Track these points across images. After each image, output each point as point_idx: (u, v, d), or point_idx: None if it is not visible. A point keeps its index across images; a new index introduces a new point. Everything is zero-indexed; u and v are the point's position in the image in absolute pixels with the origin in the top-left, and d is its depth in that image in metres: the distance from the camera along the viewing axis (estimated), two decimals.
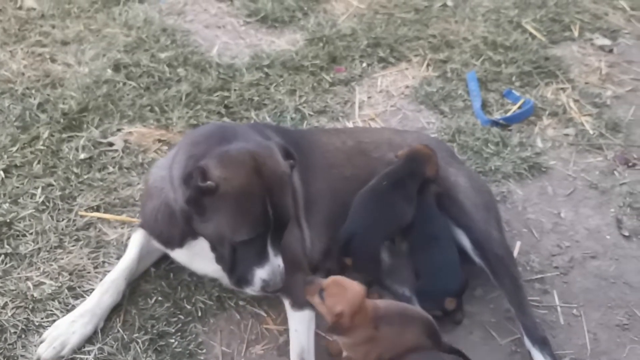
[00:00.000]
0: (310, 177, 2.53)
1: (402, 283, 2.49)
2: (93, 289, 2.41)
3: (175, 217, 2.23)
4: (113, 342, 2.31)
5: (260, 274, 2.11)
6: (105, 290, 2.37)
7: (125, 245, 2.56)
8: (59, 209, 2.76)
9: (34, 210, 2.73)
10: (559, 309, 2.52)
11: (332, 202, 2.53)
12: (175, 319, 2.40)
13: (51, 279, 2.49)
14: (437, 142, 2.97)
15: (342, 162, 2.62)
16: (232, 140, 2.14)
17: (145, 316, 2.40)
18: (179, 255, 2.41)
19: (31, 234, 2.64)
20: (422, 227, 2.49)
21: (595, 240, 2.80)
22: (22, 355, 2.25)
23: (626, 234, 2.82)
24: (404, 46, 3.92)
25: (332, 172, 2.58)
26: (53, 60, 3.61)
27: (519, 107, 3.47)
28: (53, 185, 2.85)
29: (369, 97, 3.57)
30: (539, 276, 2.63)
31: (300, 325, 2.28)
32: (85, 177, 2.91)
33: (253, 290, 2.16)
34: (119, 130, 3.17)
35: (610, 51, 3.99)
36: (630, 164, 3.18)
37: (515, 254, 2.67)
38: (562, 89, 3.66)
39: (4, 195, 2.79)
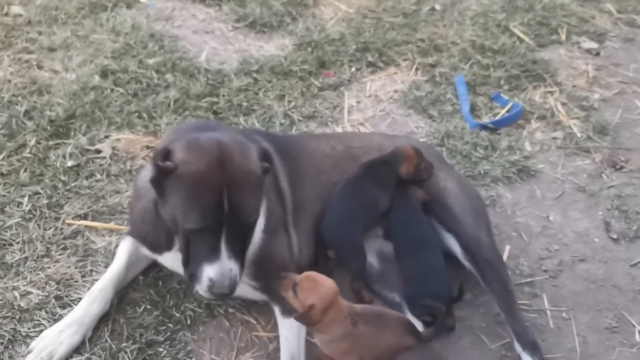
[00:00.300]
0: (298, 183, 2.52)
1: (391, 289, 2.49)
2: (81, 298, 2.38)
3: (161, 216, 2.19)
4: (101, 352, 2.28)
5: (208, 271, 2.01)
6: (92, 299, 2.34)
7: (113, 254, 2.54)
8: (46, 218, 2.73)
9: (20, 219, 2.71)
10: (548, 312, 2.53)
11: (320, 207, 2.52)
12: (164, 328, 2.39)
13: (38, 288, 2.47)
14: (426, 147, 2.98)
15: (331, 167, 2.62)
16: (209, 132, 2.13)
17: (133, 325, 2.38)
18: (166, 259, 2.39)
19: (18, 243, 2.62)
20: (407, 232, 2.49)
21: (583, 243, 2.81)
22: None
23: (614, 236, 2.84)
24: (393, 50, 3.93)
25: (320, 178, 2.58)
26: (40, 67, 3.59)
27: (508, 111, 3.48)
28: (40, 194, 2.82)
29: (358, 102, 3.57)
30: (529, 280, 2.64)
31: (290, 332, 2.27)
32: (73, 184, 2.88)
33: (201, 289, 2.06)
34: (106, 137, 3.15)
35: (597, 54, 4.02)
36: (617, 167, 3.19)
37: (504, 257, 2.67)
38: (550, 92, 3.68)
39: None
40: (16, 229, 2.67)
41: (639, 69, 3.92)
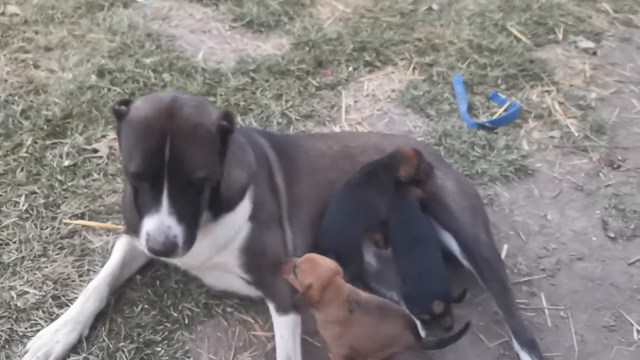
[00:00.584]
0: (294, 179, 2.52)
1: (389, 287, 2.48)
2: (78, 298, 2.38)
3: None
4: (98, 352, 2.28)
5: (147, 224, 1.97)
6: (87, 297, 2.34)
7: (110, 253, 2.52)
8: (43, 217, 2.72)
9: (17, 219, 2.70)
10: (546, 311, 2.53)
11: (317, 206, 2.52)
12: (161, 327, 2.38)
13: (35, 288, 2.46)
14: (424, 146, 2.98)
15: (328, 166, 2.61)
16: None
17: (131, 324, 2.37)
18: None
19: (14, 242, 2.61)
20: (405, 231, 2.48)
21: (581, 242, 2.81)
22: None
23: (612, 235, 2.84)
24: (390, 50, 3.93)
25: (317, 176, 2.57)
26: (36, 67, 3.58)
27: (505, 110, 3.48)
28: (37, 193, 2.81)
29: (356, 101, 3.57)
30: (527, 279, 2.64)
31: (285, 331, 2.27)
32: (70, 184, 2.87)
33: (141, 244, 2.02)
34: (103, 136, 3.14)
35: (594, 53, 4.02)
36: (615, 166, 3.20)
37: (502, 256, 2.67)
38: (547, 91, 3.68)
39: None
40: (13, 229, 2.66)
41: (636, 68, 3.93)
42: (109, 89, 3.41)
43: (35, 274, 2.51)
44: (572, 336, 2.45)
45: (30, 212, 2.74)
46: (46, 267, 2.54)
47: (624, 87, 3.76)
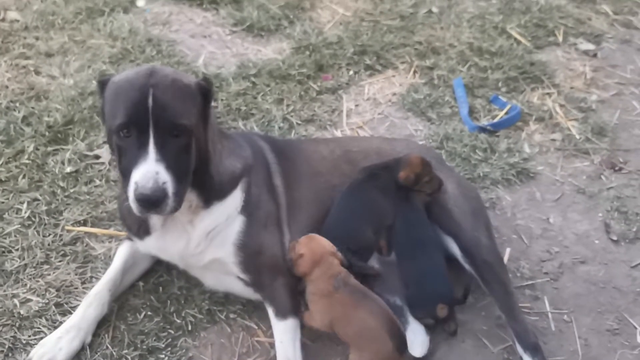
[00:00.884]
0: (294, 182, 2.52)
1: (393, 292, 2.48)
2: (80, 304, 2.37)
3: (124, 194, 2.19)
4: (102, 359, 2.28)
5: (134, 175, 1.98)
6: (89, 303, 2.34)
7: (113, 260, 2.52)
8: (45, 224, 2.72)
9: (19, 226, 2.70)
10: (549, 315, 2.53)
11: (318, 209, 2.52)
12: (165, 334, 2.38)
13: (38, 295, 2.46)
14: (426, 149, 2.98)
15: (329, 170, 2.61)
16: None
17: (134, 331, 2.37)
18: (149, 244, 2.38)
19: (17, 250, 2.61)
20: (408, 234, 2.48)
21: (584, 245, 2.81)
22: None
23: (614, 238, 2.84)
24: (391, 53, 3.93)
25: (318, 180, 2.57)
26: (37, 73, 3.58)
27: (506, 113, 3.48)
28: (39, 200, 2.81)
29: (357, 105, 3.57)
30: (530, 282, 2.64)
31: (285, 336, 2.28)
32: (72, 190, 2.87)
33: (131, 202, 2.00)
34: (105, 142, 3.14)
35: (595, 55, 4.02)
36: (616, 168, 3.20)
37: (505, 260, 2.67)
38: (547, 94, 3.68)
39: None
40: (15, 236, 2.66)
41: (636, 70, 3.93)
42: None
43: (38, 281, 2.51)
44: (575, 340, 2.45)
45: (33, 219, 2.74)
46: (49, 275, 2.54)
47: (624, 89, 3.77)
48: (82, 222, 2.75)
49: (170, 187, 1.99)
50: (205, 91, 2.14)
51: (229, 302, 2.50)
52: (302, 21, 4.18)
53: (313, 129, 3.37)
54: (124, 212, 2.40)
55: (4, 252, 2.61)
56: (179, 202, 2.06)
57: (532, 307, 2.54)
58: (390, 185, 2.53)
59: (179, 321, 2.42)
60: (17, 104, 3.32)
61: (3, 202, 2.80)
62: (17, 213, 2.76)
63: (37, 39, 3.83)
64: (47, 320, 2.38)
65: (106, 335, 2.35)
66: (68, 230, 2.70)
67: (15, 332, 2.34)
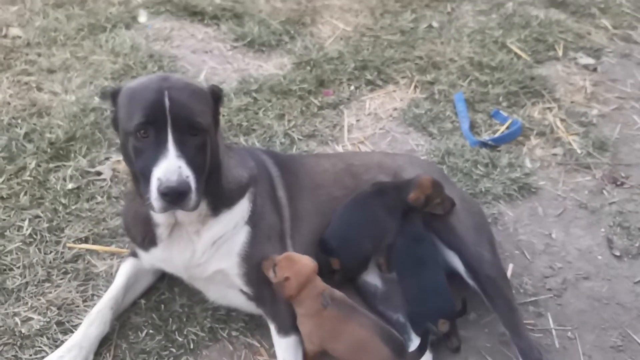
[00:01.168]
0: (297, 195, 2.53)
1: (395, 309, 2.47)
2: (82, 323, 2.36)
3: (138, 200, 2.22)
4: None
5: (156, 172, 1.98)
6: (91, 322, 2.33)
7: (115, 277, 2.52)
8: (47, 241, 2.72)
9: (21, 243, 2.69)
10: (553, 332, 2.51)
11: (320, 222, 2.52)
12: (166, 352, 2.36)
13: (39, 314, 2.45)
14: (428, 164, 2.99)
15: (331, 182, 2.62)
16: None
17: (136, 350, 2.36)
18: (154, 256, 2.37)
19: (18, 267, 2.60)
20: (408, 251, 2.48)
21: (587, 260, 2.80)
22: None
23: (617, 253, 2.83)
24: (391, 68, 3.94)
25: (320, 192, 2.58)
26: (39, 89, 3.59)
27: (507, 128, 3.49)
28: (40, 217, 2.81)
29: (358, 120, 3.58)
30: (533, 299, 2.63)
31: (287, 353, 2.27)
32: (73, 207, 2.87)
33: (152, 198, 1.99)
34: (106, 159, 3.14)
35: (595, 70, 4.04)
36: (618, 183, 3.20)
37: (508, 276, 2.65)
38: (548, 108, 3.69)
39: None
40: (17, 254, 2.65)
41: (636, 84, 3.94)
42: (110, 111, 3.41)
43: (39, 299, 2.50)
44: (580, 357, 2.43)
45: (34, 236, 2.73)
46: (50, 293, 2.52)
47: (625, 104, 3.78)
48: (83, 239, 2.74)
49: (192, 182, 2.01)
50: (216, 96, 2.20)
51: (231, 320, 2.49)
52: (303, 36, 4.19)
53: (314, 144, 3.38)
54: (129, 224, 2.40)
55: (5, 270, 2.60)
56: (198, 201, 2.07)
57: (535, 324, 2.53)
58: (397, 205, 2.52)
59: (180, 339, 2.41)
60: (19, 121, 3.32)
61: (4, 220, 2.79)
62: (18, 230, 2.76)
63: (39, 55, 3.85)
64: (48, 339, 2.37)
65: (108, 354, 2.33)
66: (69, 248, 2.70)
67: (17, 352, 2.32)
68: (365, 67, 3.92)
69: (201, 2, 4.43)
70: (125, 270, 2.50)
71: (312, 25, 4.33)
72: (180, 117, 2.02)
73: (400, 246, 2.50)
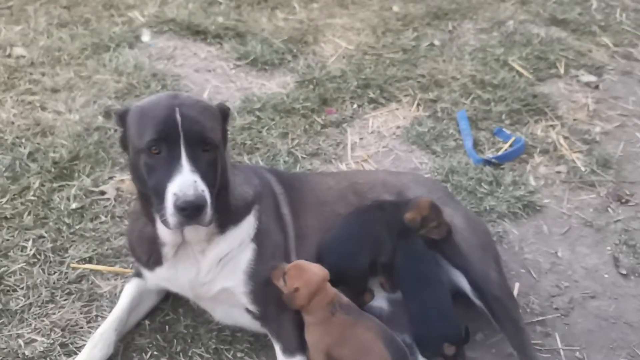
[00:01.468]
0: (301, 212, 2.52)
1: (402, 330, 2.45)
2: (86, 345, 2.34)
3: (143, 218, 2.25)
4: None
5: (171, 187, 1.98)
6: (95, 344, 2.31)
7: (119, 298, 2.50)
8: (51, 262, 2.70)
9: (24, 264, 2.68)
10: (561, 352, 2.49)
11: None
12: None
13: (43, 335, 2.43)
14: (433, 183, 2.98)
15: (335, 199, 2.62)
16: None
17: None
18: (160, 275, 2.36)
19: (22, 288, 2.59)
20: (412, 272, 2.45)
21: (593, 279, 2.79)
22: None
23: (624, 272, 2.82)
24: (394, 86, 3.96)
25: (324, 210, 2.57)
26: (43, 108, 3.59)
27: (510, 146, 3.49)
28: (44, 237, 2.80)
29: (361, 138, 3.58)
30: (540, 318, 2.61)
31: None
32: (77, 227, 2.86)
33: (168, 214, 1.99)
34: (110, 178, 3.14)
35: (596, 87, 4.06)
36: (623, 201, 3.19)
37: (514, 295, 2.64)
38: (551, 126, 3.70)
39: None
40: (20, 274, 2.64)
41: (638, 101, 3.96)
42: (115, 130, 3.42)
43: (42, 320, 2.48)
44: None
45: (38, 256, 2.72)
46: (54, 314, 2.51)
47: (627, 121, 3.79)
48: (87, 259, 2.73)
49: (207, 196, 2.01)
50: (225, 113, 2.22)
51: (236, 341, 2.47)
52: (306, 55, 4.22)
53: (318, 162, 3.38)
54: (134, 243, 2.40)
55: (8, 290, 2.58)
56: (213, 216, 2.07)
57: (543, 344, 2.51)
58: (394, 223, 2.51)
59: None
60: (23, 140, 3.33)
61: (8, 240, 2.78)
62: (22, 251, 2.74)
63: (43, 74, 3.86)
64: None
65: None
66: (73, 268, 2.68)
67: None
68: (368, 86, 3.93)
69: (204, 21, 4.46)
70: (129, 291, 2.49)
71: (315, 44, 4.35)
72: (192, 133, 2.03)
73: (404, 267, 2.49)
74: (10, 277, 2.62)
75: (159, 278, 2.39)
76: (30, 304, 2.53)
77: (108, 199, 3.02)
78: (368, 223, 2.50)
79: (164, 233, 2.21)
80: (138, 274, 2.51)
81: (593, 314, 2.64)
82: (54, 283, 2.62)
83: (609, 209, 3.15)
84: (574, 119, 3.76)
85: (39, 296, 2.56)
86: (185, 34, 4.38)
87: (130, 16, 4.54)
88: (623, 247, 2.93)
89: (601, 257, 2.89)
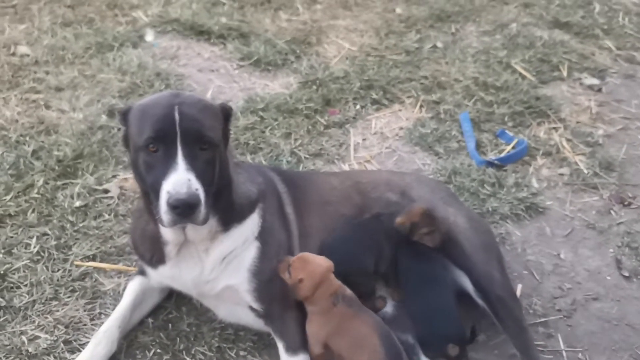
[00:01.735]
0: (305, 211, 2.53)
1: (404, 330, 2.45)
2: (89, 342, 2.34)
3: (146, 216, 2.26)
4: None
5: (165, 185, 1.99)
6: (98, 341, 2.32)
7: (122, 295, 2.50)
8: (54, 259, 2.71)
9: (28, 261, 2.68)
10: (564, 353, 2.49)
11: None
12: None
13: (46, 332, 2.43)
14: (436, 182, 2.99)
15: (339, 199, 2.62)
16: None
17: None
18: (163, 274, 2.36)
19: (26, 285, 2.59)
20: (414, 273, 2.46)
21: (596, 281, 2.79)
22: None
23: (626, 274, 2.82)
24: (397, 88, 3.96)
25: (327, 209, 2.58)
26: (47, 107, 3.60)
27: (513, 147, 3.50)
28: (48, 235, 2.80)
29: (364, 139, 3.59)
30: (543, 319, 2.61)
31: None
32: (81, 225, 2.87)
33: (163, 213, 2.00)
34: (114, 176, 3.15)
35: (599, 90, 4.06)
36: (625, 203, 3.19)
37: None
38: (554, 128, 3.70)
39: None
40: (24, 271, 2.64)
41: None
42: (119, 129, 3.42)
43: (46, 317, 2.48)
44: None
45: (42, 254, 2.72)
46: (57, 311, 2.51)
47: (630, 124, 3.79)
48: (91, 257, 2.74)
49: (202, 195, 2.01)
50: (227, 113, 2.22)
51: (239, 340, 2.47)
52: (309, 56, 4.22)
53: (321, 163, 3.38)
54: (137, 241, 2.40)
55: (12, 287, 2.58)
56: (208, 215, 2.08)
57: (545, 345, 2.51)
58: (393, 232, 2.50)
59: (188, 359, 2.39)
60: (27, 138, 3.33)
61: (12, 237, 2.79)
62: (26, 248, 2.75)
63: (47, 73, 3.87)
64: (55, 358, 2.35)
65: None
66: (77, 266, 2.69)
67: None
68: (371, 87, 3.94)
69: (207, 22, 4.47)
70: (132, 288, 2.49)
71: (318, 45, 4.36)
72: (190, 131, 2.04)
73: (407, 265, 2.49)
74: (14, 274, 2.63)
75: (162, 276, 2.39)
76: (34, 301, 2.54)
77: (111, 197, 3.03)
78: (369, 230, 2.50)
79: (166, 232, 2.21)
80: (141, 272, 2.51)
81: (595, 315, 2.64)
82: (57, 280, 2.62)
83: (611, 211, 3.15)
84: (577, 122, 3.77)
85: (42, 293, 2.56)
86: (188, 34, 4.39)
87: (134, 16, 4.56)
88: (626, 249, 2.94)
89: (604, 259, 2.89)
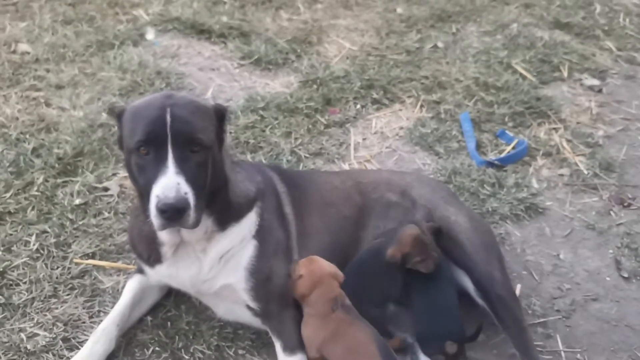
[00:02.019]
0: (305, 211, 2.52)
1: (404, 329, 2.45)
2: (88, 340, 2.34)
3: (142, 217, 2.23)
4: None
5: (155, 189, 1.99)
6: (97, 339, 2.32)
7: (121, 293, 2.51)
8: (54, 257, 2.71)
9: (28, 259, 2.68)
10: (562, 354, 2.49)
11: (329, 239, 2.51)
12: None
13: (45, 330, 2.43)
14: (437, 182, 2.98)
15: (340, 200, 2.62)
16: None
17: None
18: (160, 272, 2.37)
19: (25, 283, 2.59)
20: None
21: (595, 282, 2.79)
22: None
23: (625, 275, 2.82)
24: (397, 87, 3.96)
25: (329, 210, 2.57)
26: (47, 105, 3.60)
27: (513, 148, 3.50)
28: (47, 232, 2.81)
29: (364, 139, 3.59)
30: (541, 320, 2.61)
31: None
32: (81, 223, 2.87)
33: (153, 217, 2.01)
34: (114, 174, 3.15)
35: (600, 91, 4.06)
36: (625, 204, 3.19)
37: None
38: (554, 129, 3.70)
39: None
40: (23, 269, 2.64)
41: None
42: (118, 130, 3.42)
43: (45, 315, 2.48)
44: None
45: (41, 251, 2.72)
46: (56, 308, 2.51)
47: (630, 125, 3.79)
48: (90, 254, 2.74)
49: (191, 199, 2.01)
50: (221, 114, 2.20)
51: (238, 338, 2.47)
52: (310, 55, 4.22)
53: (321, 162, 3.38)
54: (135, 240, 2.40)
55: (11, 285, 2.59)
56: (198, 218, 2.07)
57: (544, 345, 2.51)
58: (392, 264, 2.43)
59: (187, 357, 2.39)
60: (27, 136, 3.34)
61: (12, 234, 2.79)
62: (25, 245, 2.75)
63: (47, 71, 3.87)
64: (54, 355, 2.35)
65: None
66: (76, 263, 2.69)
67: None
68: (372, 86, 3.94)
69: (208, 21, 4.47)
70: (131, 287, 2.49)
71: (319, 44, 4.36)
72: (180, 134, 2.03)
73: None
74: (13, 271, 2.63)
75: (160, 275, 2.39)
76: (33, 298, 2.54)
77: (111, 196, 3.03)
78: (366, 273, 2.43)
79: (162, 233, 2.21)
80: (140, 270, 2.51)
81: (595, 316, 2.64)
82: (56, 278, 2.62)
83: (611, 212, 3.15)
84: (577, 122, 3.76)
85: (41, 291, 2.56)
86: (189, 33, 4.39)
87: (134, 14, 4.56)
88: (625, 250, 2.94)
89: (603, 260, 2.89)
